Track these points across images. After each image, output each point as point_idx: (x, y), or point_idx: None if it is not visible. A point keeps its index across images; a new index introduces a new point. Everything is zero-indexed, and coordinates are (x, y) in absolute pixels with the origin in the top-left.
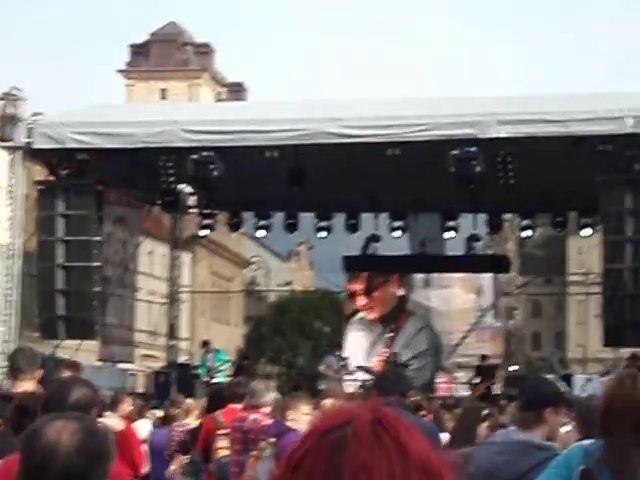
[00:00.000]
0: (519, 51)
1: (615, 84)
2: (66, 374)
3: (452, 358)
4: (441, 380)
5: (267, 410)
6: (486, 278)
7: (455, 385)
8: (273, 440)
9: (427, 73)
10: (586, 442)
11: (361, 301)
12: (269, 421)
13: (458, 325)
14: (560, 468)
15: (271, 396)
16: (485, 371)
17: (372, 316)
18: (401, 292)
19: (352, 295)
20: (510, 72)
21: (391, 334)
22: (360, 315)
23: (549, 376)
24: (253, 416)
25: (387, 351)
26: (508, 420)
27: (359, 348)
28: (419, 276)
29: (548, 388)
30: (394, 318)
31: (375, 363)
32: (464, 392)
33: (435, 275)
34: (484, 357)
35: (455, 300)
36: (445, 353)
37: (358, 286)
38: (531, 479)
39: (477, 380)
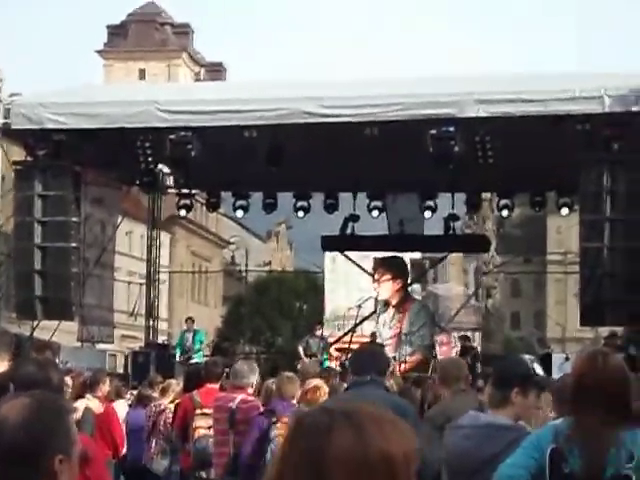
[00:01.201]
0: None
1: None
2: (44, 355)
3: (450, 324)
4: (442, 337)
5: (250, 391)
6: (471, 270)
7: (453, 341)
8: (287, 420)
9: (405, 53)
10: (557, 421)
11: (384, 292)
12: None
13: (454, 304)
14: (530, 448)
15: (255, 377)
16: (466, 351)
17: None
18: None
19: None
20: (487, 52)
21: (400, 315)
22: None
23: (526, 356)
24: (240, 396)
25: (399, 327)
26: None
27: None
28: (430, 274)
29: (517, 369)
30: (402, 304)
31: (390, 337)
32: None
33: (439, 272)
34: (465, 338)
35: (452, 289)
36: (444, 321)
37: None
38: (502, 461)
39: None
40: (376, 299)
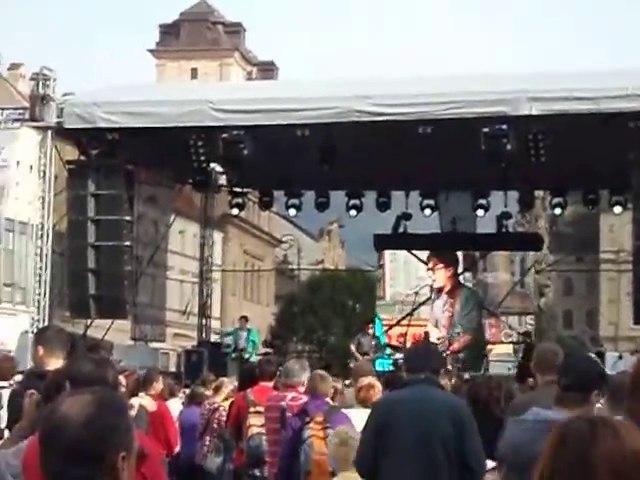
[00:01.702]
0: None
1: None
2: (98, 354)
3: (499, 309)
4: (490, 321)
5: (302, 389)
6: (517, 260)
7: (502, 325)
8: (320, 419)
9: (457, 52)
10: None
11: (438, 280)
12: (308, 399)
13: (502, 291)
14: None
15: (306, 375)
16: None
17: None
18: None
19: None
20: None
21: (452, 300)
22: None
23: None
24: (291, 394)
25: (451, 311)
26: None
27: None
28: (480, 264)
29: (597, 370)
30: (454, 290)
31: (444, 320)
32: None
33: (488, 262)
34: (526, 334)
35: (499, 277)
36: (492, 306)
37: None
38: None
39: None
40: (431, 286)
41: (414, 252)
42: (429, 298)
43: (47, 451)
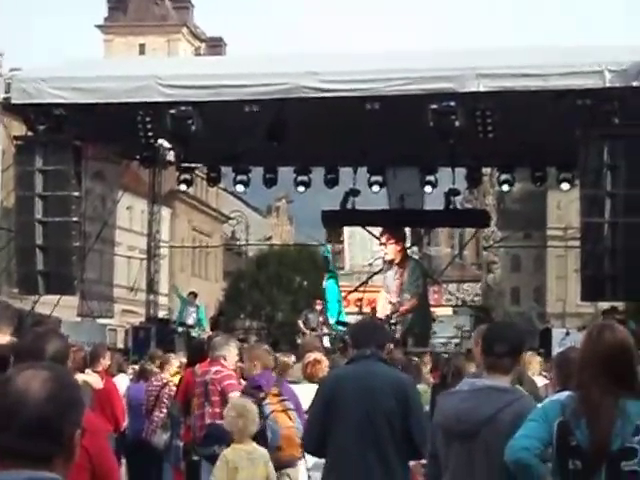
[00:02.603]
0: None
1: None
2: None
3: (441, 277)
4: (434, 288)
5: (225, 363)
6: (456, 235)
7: (443, 291)
8: (276, 392)
9: (405, 26)
10: (562, 395)
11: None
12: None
13: (443, 262)
14: (540, 421)
15: (230, 349)
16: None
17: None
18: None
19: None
20: (488, 24)
21: (401, 270)
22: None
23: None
24: (214, 368)
25: (400, 280)
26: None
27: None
28: (425, 238)
29: (523, 335)
30: (402, 262)
31: (395, 287)
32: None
33: (432, 237)
34: (482, 308)
35: (441, 251)
36: (435, 275)
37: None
38: (500, 420)
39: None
40: (383, 259)
41: (368, 229)
42: (382, 269)
43: (3, 427)
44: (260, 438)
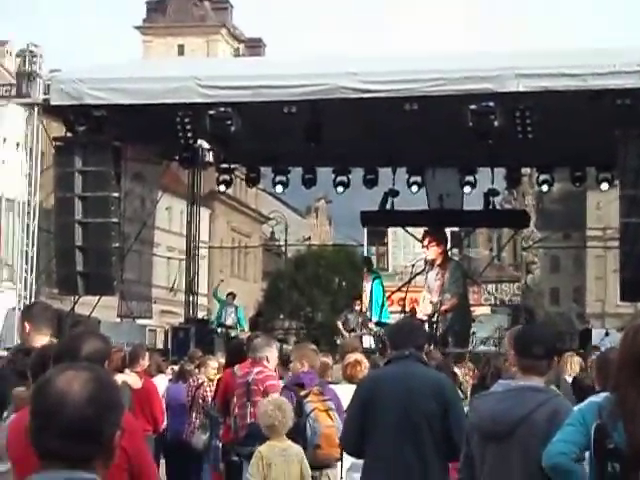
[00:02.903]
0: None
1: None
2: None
3: (480, 278)
4: (473, 288)
5: (267, 364)
6: (494, 238)
7: (482, 291)
8: (318, 391)
9: (444, 27)
10: (600, 397)
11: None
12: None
13: (482, 264)
14: (577, 424)
15: (271, 350)
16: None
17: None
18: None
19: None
20: (524, 26)
21: (443, 271)
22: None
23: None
24: (256, 369)
25: (442, 280)
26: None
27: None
28: (465, 241)
29: (555, 338)
30: (444, 263)
31: (436, 287)
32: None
33: (471, 240)
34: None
35: (480, 253)
36: (475, 276)
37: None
38: (535, 419)
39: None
40: (425, 260)
41: (410, 231)
42: (423, 270)
43: (43, 428)
44: (299, 435)
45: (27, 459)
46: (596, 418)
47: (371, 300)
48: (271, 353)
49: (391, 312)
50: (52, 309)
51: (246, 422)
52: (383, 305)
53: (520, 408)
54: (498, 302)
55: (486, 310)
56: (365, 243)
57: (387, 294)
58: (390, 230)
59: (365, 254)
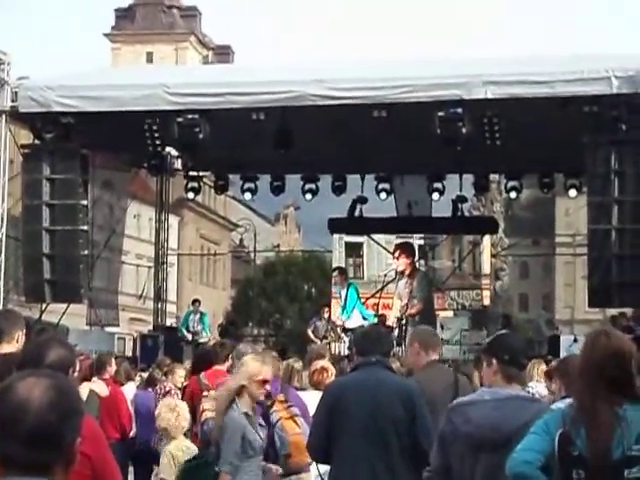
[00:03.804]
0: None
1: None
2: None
3: (443, 286)
4: (438, 294)
5: None
6: (456, 250)
7: (446, 297)
8: (282, 399)
9: (412, 34)
10: (563, 403)
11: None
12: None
13: (445, 273)
14: (541, 433)
15: None
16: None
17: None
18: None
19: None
20: (494, 34)
21: (411, 280)
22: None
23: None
24: None
25: (410, 288)
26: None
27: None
28: (429, 254)
29: (527, 345)
30: (412, 273)
31: (405, 294)
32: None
33: (436, 252)
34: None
35: (444, 263)
36: (439, 284)
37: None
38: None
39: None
40: (396, 270)
41: (382, 244)
42: (394, 279)
43: (3, 434)
44: (269, 446)
45: None
46: (560, 425)
47: (345, 304)
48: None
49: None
50: (19, 316)
51: None
52: (357, 307)
53: (518, 417)
54: (460, 307)
55: (449, 314)
56: (344, 255)
57: (362, 300)
58: (365, 244)
59: (343, 265)
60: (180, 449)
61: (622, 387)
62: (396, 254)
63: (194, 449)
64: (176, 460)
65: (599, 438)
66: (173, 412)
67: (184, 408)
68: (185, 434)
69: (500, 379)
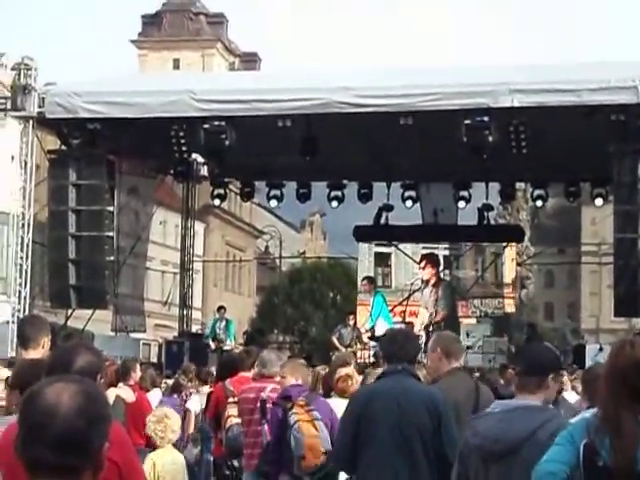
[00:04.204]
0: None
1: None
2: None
3: (467, 294)
4: (462, 303)
5: (278, 379)
6: (479, 260)
7: (469, 305)
8: (303, 402)
9: (439, 43)
10: (588, 413)
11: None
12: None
13: (469, 283)
14: (566, 444)
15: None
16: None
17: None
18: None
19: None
20: (515, 42)
21: (435, 288)
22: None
23: (546, 343)
24: (271, 386)
25: (435, 296)
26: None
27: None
28: (454, 264)
29: (552, 355)
30: (437, 282)
31: (431, 302)
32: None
33: (460, 262)
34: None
35: (467, 273)
36: (463, 293)
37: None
38: (537, 439)
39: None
40: (422, 279)
41: (409, 254)
42: (420, 287)
43: (32, 438)
44: (285, 447)
45: (18, 469)
46: (584, 436)
47: (372, 310)
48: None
49: (394, 322)
50: (45, 321)
51: (261, 440)
52: (382, 315)
53: (523, 427)
54: (482, 314)
55: (472, 321)
56: (372, 264)
57: (390, 307)
58: (393, 254)
59: (372, 274)
60: (161, 457)
61: None
62: (422, 264)
63: (181, 462)
64: (157, 469)
65: (623, 448)
66: (160, 423)
67: (175, 419)
68: (175, 444)
69: (516, 389)
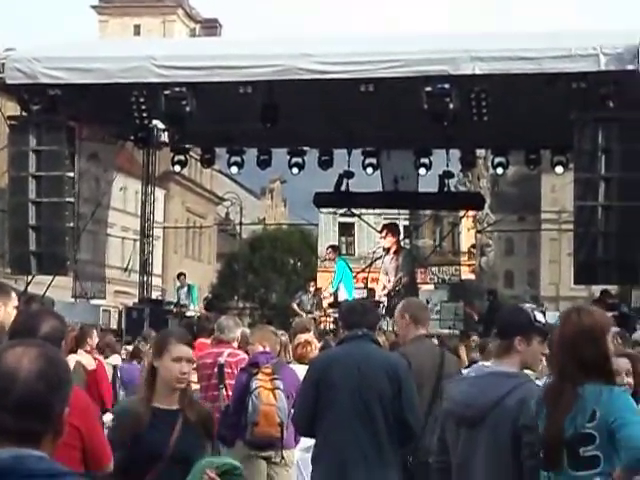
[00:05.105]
0: None
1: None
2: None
3: (425, 262)
4: (420, 270)
5: (235, 345)
6: (437, 230)
7: (427, 272)
8: (268, 370)
9: (399, 10)
10: (541, 383)
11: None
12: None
13: (427, 251)
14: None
15: (239, 331)
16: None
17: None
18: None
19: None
20: (484, 9)
21: (396, 256)
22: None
23: (527, 305)
24: (228, 350)
25: (396, 264)
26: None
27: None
28: (413, 233)
29: (518, 317)
30: (397, 250)
31: (392, 269)
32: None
33: (419, 232)
34: (490, 292)
35: (425, 242)
36: (422, 260)
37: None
38: (505, 406)
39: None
40: (383, 247)
41: (372, 224)
42: (381, 256)
43: None
44: (241, 412)
45: None
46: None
47: (334, 276)
48: (238, 335)
49: (356, 288)
50: (5, 285)
51: (218, 405)
52: (343, 282)
53: (492, 393)
54: (440, 281)
55: (430, 287)
56: (337, 234)
57: (353, 274)
58: (356, 223)
59: (336, 243)
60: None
61: (589, 366)
62: (383, 233)
63: None
64: None
65: (554, 417)
66: None
67: None
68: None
69: (494, 353)
